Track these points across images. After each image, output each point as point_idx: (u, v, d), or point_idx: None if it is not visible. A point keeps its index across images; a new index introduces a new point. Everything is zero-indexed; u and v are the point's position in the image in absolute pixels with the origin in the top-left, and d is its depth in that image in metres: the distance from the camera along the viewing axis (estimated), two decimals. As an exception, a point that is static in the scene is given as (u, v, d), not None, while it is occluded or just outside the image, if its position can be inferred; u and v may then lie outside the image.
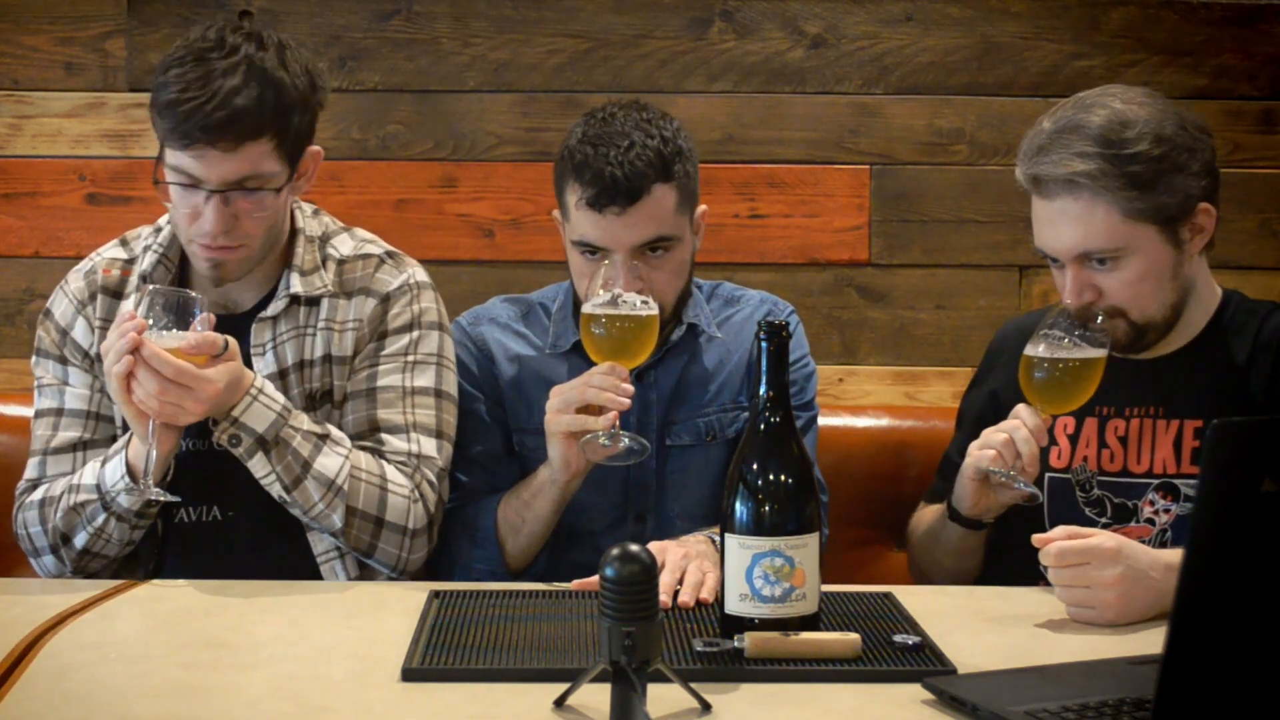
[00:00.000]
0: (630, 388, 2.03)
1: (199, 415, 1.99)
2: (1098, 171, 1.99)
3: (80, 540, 2.12)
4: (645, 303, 2.05)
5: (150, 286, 2.04)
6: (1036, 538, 1.85)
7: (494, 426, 2.33)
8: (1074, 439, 2.15)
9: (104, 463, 2.09)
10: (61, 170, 3.05)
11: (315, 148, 2.19)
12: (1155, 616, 1.81)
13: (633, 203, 2.16)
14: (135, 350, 1.93)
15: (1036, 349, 2.00)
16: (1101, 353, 1.99)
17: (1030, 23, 3.04)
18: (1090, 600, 1.81)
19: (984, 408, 2.26)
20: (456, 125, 3.05)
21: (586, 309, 2.05)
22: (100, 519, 2.09)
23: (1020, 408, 2.01)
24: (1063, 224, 2.04)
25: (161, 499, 2.02)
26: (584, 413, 2.04)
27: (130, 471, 2.04)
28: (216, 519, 2.21)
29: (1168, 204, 2.02)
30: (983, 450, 2.01)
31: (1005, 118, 3.04)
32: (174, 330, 1.96)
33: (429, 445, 2.20)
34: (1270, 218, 3.02)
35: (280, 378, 2.18)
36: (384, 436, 2.19)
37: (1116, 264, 2.04)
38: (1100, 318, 2.01)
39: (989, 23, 3.04)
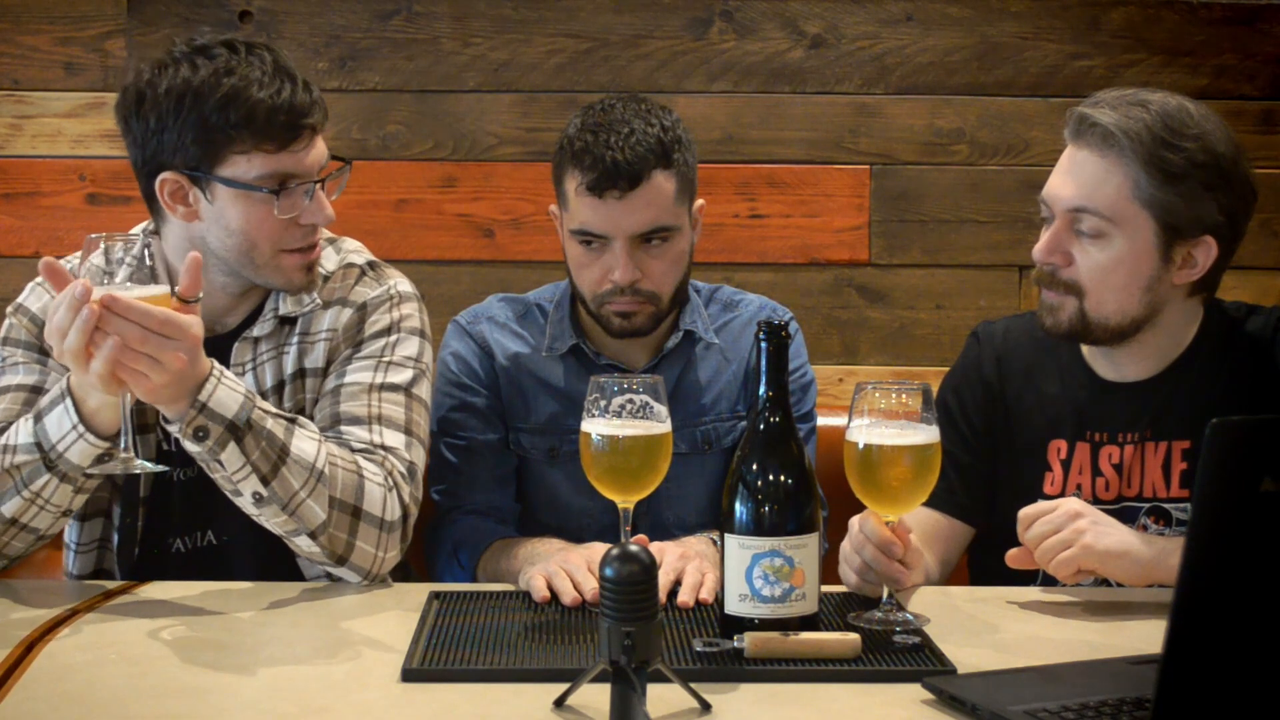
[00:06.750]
0: (593, 586, 1.85)
1: (174, 373, 1.75)
2: (1139, 138, 1.98)
3: (9, 507, 1.91)
4: (654, 410, 1.78)
5: (97, 236, 1.81)
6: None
7: (494, 419, 2.33)
8: (1066, 465, 2.13)
9: (37, 419, 1.87)
10: (61, 170, 3.05)
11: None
12: (1126, 575, 1.88)
13: (633, 187, 2.16)
14: (106, 307, 1.70)
15: (863, 437, 1.78)
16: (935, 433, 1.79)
17: (1030, 23, 3.04)
18: (1065, 539, 1.86)
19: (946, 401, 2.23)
20: (456, 125, 3.06)
21: (585, 425, 1.79)
22: (40, 480, 1.88)
23: (859, 522, 1.87)
24: (1077, 173, 2.03)
25: (148, 469, 1.85)
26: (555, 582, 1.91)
27: (86, 423, 1.82)
28: (211, 544, 2.15)
29: (1178, 209, 2.00)
30: (846, 574, 1.91)
31: (1005, 118, 3.04)
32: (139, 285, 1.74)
33: (394, 438, 2.05)
34: (1270, 218, 3.02)
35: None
36: (344, 428, 2.04)
37: (1099, 240, 2.02)
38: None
39: (989, 23, 3.04)
